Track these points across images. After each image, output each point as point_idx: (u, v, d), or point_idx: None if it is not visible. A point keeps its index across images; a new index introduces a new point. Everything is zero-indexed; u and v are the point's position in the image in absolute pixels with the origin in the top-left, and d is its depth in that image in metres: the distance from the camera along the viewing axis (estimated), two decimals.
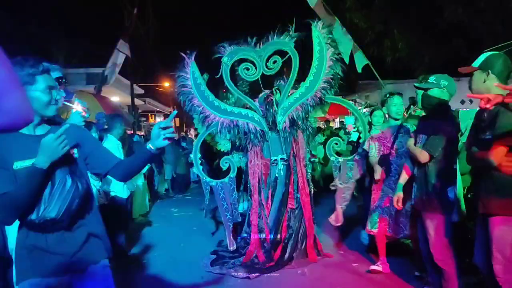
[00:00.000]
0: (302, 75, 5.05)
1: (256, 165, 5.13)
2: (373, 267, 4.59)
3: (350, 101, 16.93)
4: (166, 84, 26.32)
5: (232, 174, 5.20)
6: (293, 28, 4.91)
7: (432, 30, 12.58)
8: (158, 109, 27.54)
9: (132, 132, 13.18)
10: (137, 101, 19.19)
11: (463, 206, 4.13)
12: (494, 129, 2.75)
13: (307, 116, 5.09)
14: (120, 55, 13.60)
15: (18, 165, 1.94)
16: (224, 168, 5.21)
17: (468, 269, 3.61)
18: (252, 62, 5.02)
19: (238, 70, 5.11)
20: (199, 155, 5.32)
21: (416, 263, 4.27)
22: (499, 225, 2.77)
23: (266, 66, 5.00)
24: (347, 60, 8.91)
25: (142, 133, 16.74)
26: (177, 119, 26.91)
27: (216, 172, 6.56)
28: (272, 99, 5.01)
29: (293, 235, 5.06)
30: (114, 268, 5.16)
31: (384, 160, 4.57)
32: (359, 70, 9.22)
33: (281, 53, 4.97)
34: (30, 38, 13.46)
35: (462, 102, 11.21)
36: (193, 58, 5.02)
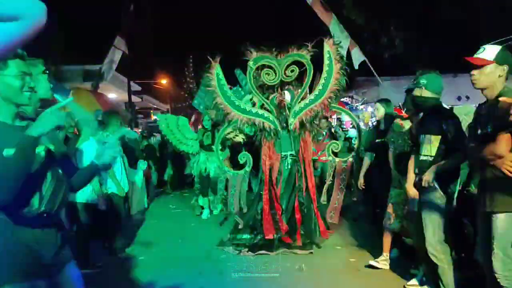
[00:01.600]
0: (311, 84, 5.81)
1: (268, 158, 5.83)
2: (372, 262, 4.62)
3: (347, 98, 16.98)
4: (163, 81, 26.29)
5: (248, 168, 5.94)
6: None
7: (429, 26, 12.60)
8: (155, 106, 27.50)
9: (129, 129, 13.14)
10: (134, 98, 19.16)
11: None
12: (495, 118, 2.71)
13: (314, 119, 5.76)
14: (117, 52, 13.56)
15: None
16: (241, 162, 5.93)
17: (464, 263, 3.64)
18: (273, 69, 5.65)
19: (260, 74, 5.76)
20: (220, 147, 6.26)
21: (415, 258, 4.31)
22: (502, 222, 2.76)
23: (285, 74, 5.65)
24: (344, 57, 8.91)
25: (139, 130, 16.70)
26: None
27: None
28: (285, 104, 5.71)
29: (307, 220, 5.69)
30: (113, 265, 5.18)
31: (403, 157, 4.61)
32: (356, 67, 9.24)
33: (297, 63, 5.69)
34: None
35: (459, 98, 11.24)
36: (218, 61, 5.66)
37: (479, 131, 2.89)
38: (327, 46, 5.59)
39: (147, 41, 17.71)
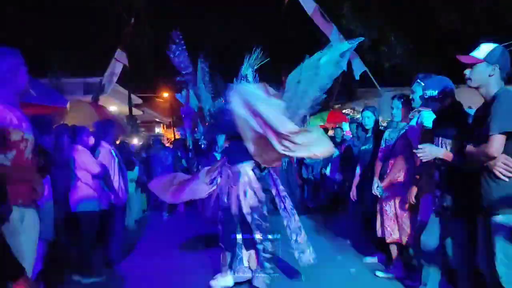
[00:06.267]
0: None
1: None
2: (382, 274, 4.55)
3: (349, 109, 17.01)
4: (165, 94, 26.30)
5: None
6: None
7: (428, 36, 12.64)
8: (157, 119, 27.52)
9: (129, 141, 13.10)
10: (136, 111, 19.18)
11: None
12: (490, 116, 2.64)
13: None
14: (117, 64, 13.57)
15: None
16: None
17: None
18: None
19: None
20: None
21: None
22: (504, 224, 2.65)
23: None
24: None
25: (141, 142, 16.62)
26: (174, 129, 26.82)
27: None
28: None
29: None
30: (109, 276, 5.06)
31: None
32: (357, 77, 9.21)
33: None
34: (28, 47, 13.51)
35: None
36: None
37: (476, 132, 2.84)
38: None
39: (148, 53, 17.78)
